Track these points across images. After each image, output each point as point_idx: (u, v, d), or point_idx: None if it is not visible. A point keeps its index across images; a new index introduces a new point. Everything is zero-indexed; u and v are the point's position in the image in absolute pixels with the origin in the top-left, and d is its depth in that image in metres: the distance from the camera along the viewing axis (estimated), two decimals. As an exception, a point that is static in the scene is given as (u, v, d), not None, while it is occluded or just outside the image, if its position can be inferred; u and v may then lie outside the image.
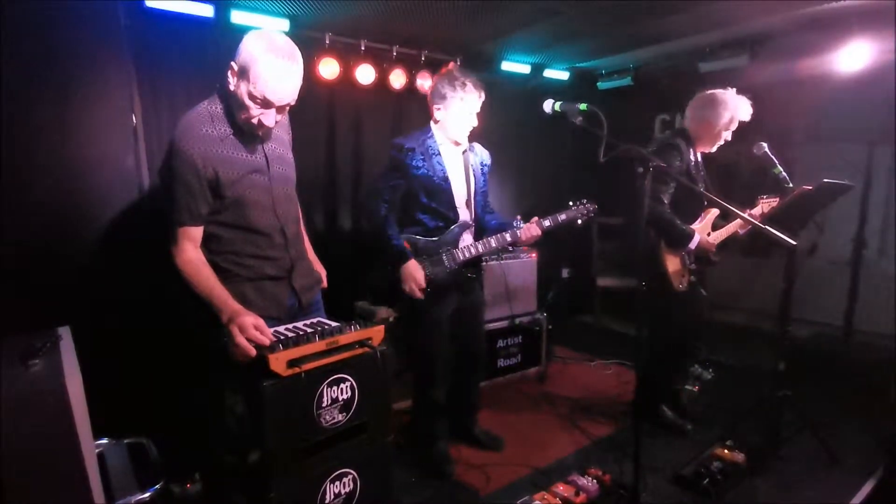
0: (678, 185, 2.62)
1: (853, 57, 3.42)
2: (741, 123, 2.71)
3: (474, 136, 2.49)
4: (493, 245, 2.41)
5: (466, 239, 2.47)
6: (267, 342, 1.52)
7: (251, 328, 1.52)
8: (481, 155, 2.56)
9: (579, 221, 2.47)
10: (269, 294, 1.82)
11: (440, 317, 2.46)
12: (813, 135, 3.94)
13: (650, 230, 2.69)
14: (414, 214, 2.41)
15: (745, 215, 2.23)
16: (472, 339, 2.65)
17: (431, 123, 2.42)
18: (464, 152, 2.46)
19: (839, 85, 3.56)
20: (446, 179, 2.38)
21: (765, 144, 2.64)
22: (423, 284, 2.31)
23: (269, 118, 1.66)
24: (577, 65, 4.65)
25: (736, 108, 2.66)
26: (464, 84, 2.27)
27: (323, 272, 2.10)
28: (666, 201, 2.64)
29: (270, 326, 1.60)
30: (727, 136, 2.73)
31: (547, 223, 2.42)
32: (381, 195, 2.36)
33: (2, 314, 2.06)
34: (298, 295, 1.89)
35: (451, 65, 2.35)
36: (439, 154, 2.38)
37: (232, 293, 1.65)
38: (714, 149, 2.78)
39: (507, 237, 2.41)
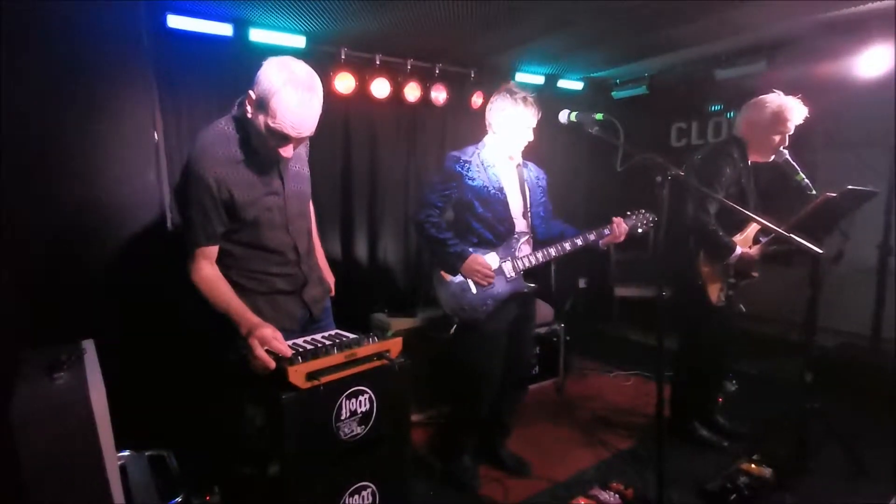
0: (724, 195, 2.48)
1: (874, 61, 3.37)
2: (796, 133, 2.55)
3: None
4: (553, 254, 2.39)
5: (524, 249, 2.44)
6: (288, 352, 1.53)
7: (272, 340, 1.53)
8: (536, 171, 2.56)
9: (640, 230, 2.45)
10: (281, 307, 1.83)
11: (499, 329, 2.42)
12: (835, 141, 3.87)
13: (690, 240, 2.63)
14: (469, 223, 2.39)
15: (774, 226, 2.17)
16: (521, 354, 2.60)
17: (486, 138, 2.44)
18: (517, 166, 2.47)
19: (861, 90, 3.50)
20: (501, 190, 2.37)
21: (786, 151, 2.59)
22: (492, 268, 2.32)
23: (288, 151, 1.63)
24: (592, 74, 4.65)
25: (788, 110, 2.51)
26: (525, 99, 2.30)
27: (332, 280, 2.11)
28: (712, 211, 2.55)
29: (286, 339, 1.61)
30: (783, 142, 2.57)
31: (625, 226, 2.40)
32: (433, 203, 2.37)
33: (29, 327, 2.11)
34: (309, 307, 1.91)
35: (511, 83, 2.39)
36: (494, 166, 2.39)
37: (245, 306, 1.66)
38: (770, 158, 2.61)
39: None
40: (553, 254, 2.39)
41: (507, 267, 2.38)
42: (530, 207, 2.47)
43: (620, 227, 2.39)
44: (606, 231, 2.39)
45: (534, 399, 3.57)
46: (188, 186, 1.63)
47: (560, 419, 3.29)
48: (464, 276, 2.33)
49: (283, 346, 1.54)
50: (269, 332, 1.55)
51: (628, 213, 2.45)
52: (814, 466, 2.53)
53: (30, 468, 1.31)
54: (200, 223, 1.64)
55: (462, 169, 2.35)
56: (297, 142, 1.65)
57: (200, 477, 2.11)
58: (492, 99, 2.40)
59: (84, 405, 1.40)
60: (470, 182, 2.35)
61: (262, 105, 1.55)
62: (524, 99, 2.31)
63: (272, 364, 1.49)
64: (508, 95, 2.33)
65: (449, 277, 2.38)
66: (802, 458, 2.51)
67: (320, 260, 2.07)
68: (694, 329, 2.80)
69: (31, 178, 2.28)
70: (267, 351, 1.52)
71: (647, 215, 2.46)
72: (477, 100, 3.99)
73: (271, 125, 1.55)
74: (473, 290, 2.34)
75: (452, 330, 2.38)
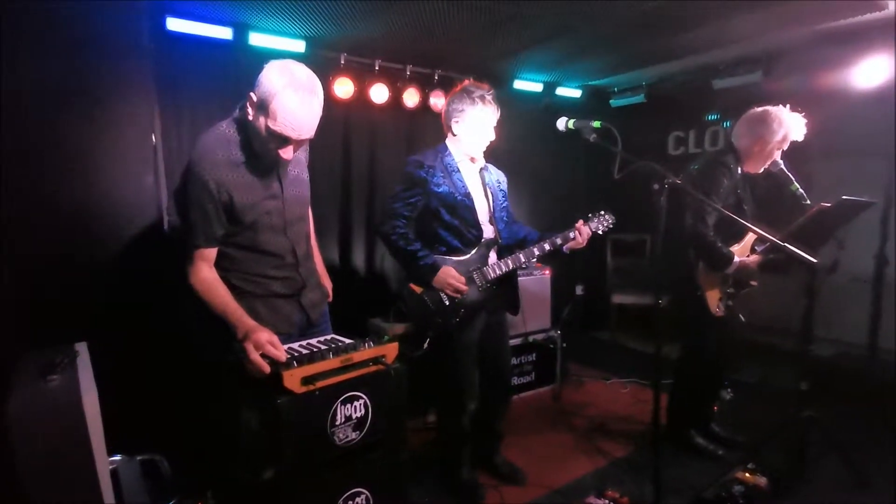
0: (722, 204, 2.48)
1: (872, 71, 3.39)
2: (791, 143, 2.58)
3: (487, 154, 2.47)
4: (523, 259, 2.33)
5: (493, 257, 2.40)
6: (282, 357, 1.52)
7: (266, 344, 1.53)
8: (497, 174, 2.52)
9: (600, 231, 2.43)
10: (279, 311, 1.83)
11: (471, 339, 2.38)
12: (831, 151, 3.88)
13: (688, 250, 2.62)
14: (435, 232, 2.32)
15: (770, 236, 2.18)
16: (499, 360, 2.55)
17: (447, 141, 2.38)
18: (480, 170, 2.43)
19: (857, 99, 3.52)
20: (468, 195, 2.32)
21: (780, 161, 2.60)
22: (464, 280, 2.25)
23: (288, 152, 1.64)
24: (590, 82, 4.67)
25: (790, 126, 2.52)
26: (482, 97, 2.25)
27: (329, 285, 2.10)
28: (710, 223, 2.54)
29: (283, 343, 1.60)
30: (777, 155, 2.59)
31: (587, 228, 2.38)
32: (399, 213, 2.30)
33: (23, 330, 2.10)
34: (307, 311, 1.91)
35: (467, 81, 2.34)
36: (458, 171, 2.33)
37: (243, 309, 1.65)
38: (761, 169, 2.64)
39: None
40: (523, 260, 2.34)
41: (478, 276, 2.32)
42: (494, 212, 2.41)
43: (583, 230, 2.36)
44: (571, 235, 2.35)
45: (530, 406, 3.57)
46: (189, 188, 1.64)
47: (556, 426, 3.28)
48: (436, 288, 2.26)
49: (279, 351, 1.53)
50: (266, 336, 1.54)
51: (589, 214, 2.43)
52: (810, 476, 2.52)
53: (21, 470, 1.30)
54: (200, 225, 1.64)
55: (426, 174, 2.28)
56: (298, 144, 1.65)
57: (193, 482, 2.10)
58: (447, 100, 2.34)
59: (76, 408, 1.39)
60: (435, 189, 2.28)
61: (263, 107, 1.56)
62: (482, 97, 2.25)
63: (267, 368, 1.49)
64: (466, 95, 2.27)
65: (419, 290, 2.31)
66: (799, 467, 2.51)
67: (318, 265, 2.06)
68: (693, 338, 2.80)
69: (30, 180, 2.28)
70: (262, 355, 1.51)
71: (607, 217, 2.44)
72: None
73: (272, 127, 1.56)
74: (446, 301, 2.28)
75: (426, 345, 2.27)
